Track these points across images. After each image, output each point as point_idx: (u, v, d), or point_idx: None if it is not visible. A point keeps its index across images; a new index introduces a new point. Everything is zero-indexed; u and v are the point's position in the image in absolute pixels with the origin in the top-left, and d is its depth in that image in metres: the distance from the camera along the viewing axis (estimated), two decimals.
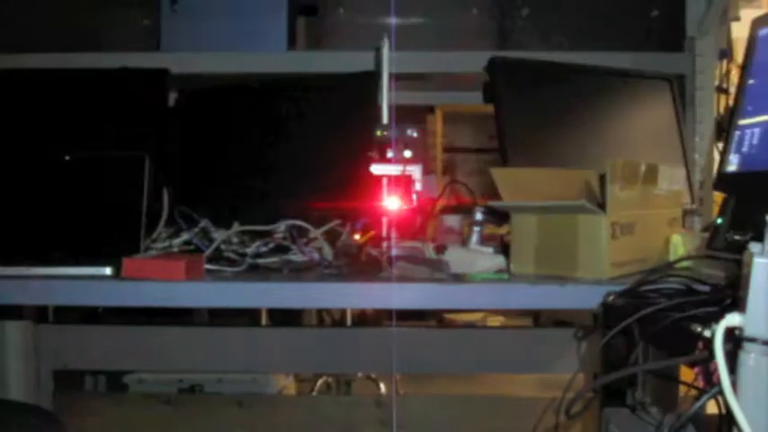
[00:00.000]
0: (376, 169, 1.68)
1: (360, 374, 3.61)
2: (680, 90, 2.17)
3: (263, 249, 1.74)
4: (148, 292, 1.48)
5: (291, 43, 2.31)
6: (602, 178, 1.56)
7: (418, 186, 1.68)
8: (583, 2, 2.29)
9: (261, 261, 1.70)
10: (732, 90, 2.27)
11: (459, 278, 1.55)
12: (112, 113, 2.00)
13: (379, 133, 1.70)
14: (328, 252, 1.60)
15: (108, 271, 1.52)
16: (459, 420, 2.70)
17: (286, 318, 4.42)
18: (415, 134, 1.67)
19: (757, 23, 1.35)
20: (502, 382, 4.20)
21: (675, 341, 1.09)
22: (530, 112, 1.90)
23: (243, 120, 2.00)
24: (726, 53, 2.25)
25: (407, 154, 1.71)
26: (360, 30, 2.30)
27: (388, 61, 1.70)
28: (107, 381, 2.70)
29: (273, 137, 1.97)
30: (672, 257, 1.76)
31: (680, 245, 1.75)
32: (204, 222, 1.81)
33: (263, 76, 2.16)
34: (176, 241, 1.76)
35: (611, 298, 1.29)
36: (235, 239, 1.91)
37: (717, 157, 2.01)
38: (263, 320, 4.01)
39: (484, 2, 2.28)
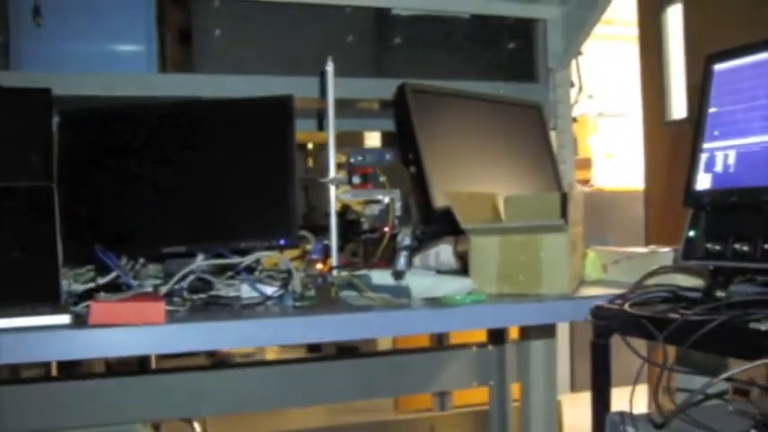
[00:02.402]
0: (350, 195, 1.62)
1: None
2: None
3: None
4: (120, 341, 1.30)
5: (163, 67, 2.15)
6: (563, 197, 1.64)
7: (398, 211, 1.64)
8: (448, 33, 2.37)
9: (202, 297, 1.57)
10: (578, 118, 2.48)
11: (433, 302, 1.54)
12: None
13: (351, 159, 1.64)
14: (297, 284, 1.51)
15: (66, 319, 1.32)
16: None
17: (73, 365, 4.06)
18: (388, 157, 1.61)
19: (712, 59, 1.50)
20: (292, 414, 4.18)
21: (731, 341, 1.18)
22: (438, 135, 1.94)
23: (139, 147, 1.83)
24: (573, 83, 2.46)
25: (382, 179, 1.65)
26: (233, 55, 2.21)
27: (333, 84, 1.64)
28: None
29: (172, 164, 1.83)
30: (589, 272, 1.89)
31: (596, 260, 1.89)
32: (123, 260, 1.64)
33: (153, 99, 2.00)
34: (102, 281, 1.57)
35: (626, 304, 1.36)
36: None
37: None
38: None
39: (360, 29, 2.28)
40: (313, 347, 5.44)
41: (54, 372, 3.72)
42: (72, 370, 3.98)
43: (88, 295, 1.48)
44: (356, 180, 1.67)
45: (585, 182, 4.82)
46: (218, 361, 5.36)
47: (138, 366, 4.29)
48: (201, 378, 2.57)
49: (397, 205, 1.64)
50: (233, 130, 1.83)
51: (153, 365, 4.19)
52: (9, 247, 1.53)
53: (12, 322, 1.29)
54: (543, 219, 1.63)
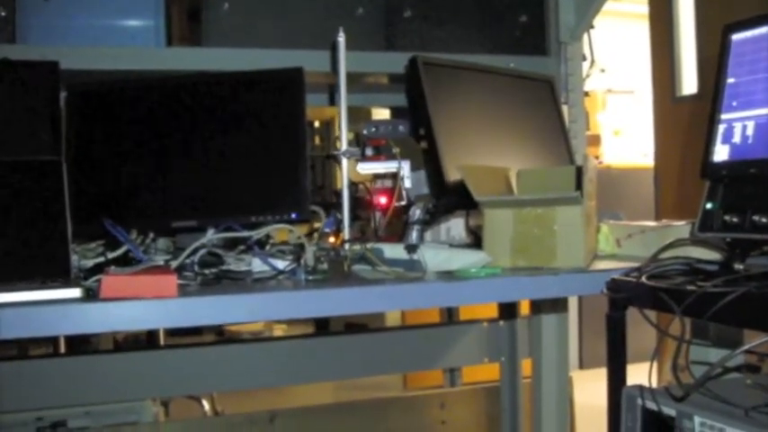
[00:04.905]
0: (364, 167, 1.60)
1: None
2: None
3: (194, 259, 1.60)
4: (132, 315, 1.29)
5: (170, 43, 2.13)
6: (578, 170, 1.62)
7: (407, 183, 1.63)
8: (458, 6, 2.34)
9: (213, 271, 1.56)
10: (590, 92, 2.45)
11: (447, 276, 1.52)
12: None
13: (365, 131, 1.62)
14: (310, 258, 1.49)
15: (77, 293, 1.30)
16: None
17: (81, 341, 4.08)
18: (402, 128, 1.59)
19: (729, 29, 1.47)
20: (300, 391, 4.19)
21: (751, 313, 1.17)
22: (450, 108, 1.92)
23: (149, 121, 1.81)
24: (585, 57, 2.43)
25: (395, 151, 1.63)
26: (242, 28, 2.18)
27: (344, 54, 1.62)
28: None
29: (181, 138, 1.81)
30: (602, 246, 1.87)
31: (609, 234, 1.87)
32: (133, 234, 1.63)
33: (162, 73, 1.97)
34: (112, 256, 1.56)
35: (643, 277, 1.35)
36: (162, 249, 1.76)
37: None
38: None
39: (369, 2, 2.25)
40: (321, 325, 5.44)
41: (62, 349, 3.72)
42: (80, 347, 4.00)
43: (98, 270, 1.47)
44: (369, 152, 1.65)
45: (594, 158, 4.80)
46: (226, 338, 5.39)
47: (146, 343, 4.31)
48: (210, 355, 2.56)
49: (407, 175, 1.62)
50: (243, 102, 1.81)
51: (161, 342, 4.20)
52: (18, 221, 1.51)
53: (22, 296, 1.27)
54: (557, 192, 1.61)
